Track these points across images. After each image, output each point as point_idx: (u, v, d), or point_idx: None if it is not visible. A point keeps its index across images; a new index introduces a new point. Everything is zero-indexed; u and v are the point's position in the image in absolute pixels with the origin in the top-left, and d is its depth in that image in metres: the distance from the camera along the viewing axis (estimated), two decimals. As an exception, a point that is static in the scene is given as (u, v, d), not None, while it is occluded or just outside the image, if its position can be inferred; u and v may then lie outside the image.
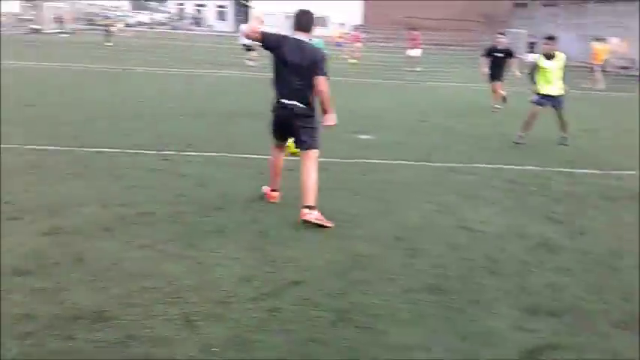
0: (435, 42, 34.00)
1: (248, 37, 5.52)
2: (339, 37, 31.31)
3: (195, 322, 3.46)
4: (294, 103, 5.28)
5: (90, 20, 51.52)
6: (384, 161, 7.89)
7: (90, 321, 3.38)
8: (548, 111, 9.64)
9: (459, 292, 4.08)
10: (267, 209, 5.62)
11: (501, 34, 14.33)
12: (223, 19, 64.60)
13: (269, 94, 5.54)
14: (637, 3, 29.26)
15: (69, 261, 4.20)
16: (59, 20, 43.04)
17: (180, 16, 65.44)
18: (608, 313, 3.89)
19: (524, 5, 46.16)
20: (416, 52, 24.17)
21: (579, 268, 4.65)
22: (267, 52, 5.48)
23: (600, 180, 7.51)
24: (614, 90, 19.34)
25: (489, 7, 47.39)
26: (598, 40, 21.58)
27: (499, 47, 13.61)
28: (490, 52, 13.70)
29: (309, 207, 5.20)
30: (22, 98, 11.48)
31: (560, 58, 9.52)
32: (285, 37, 5.38)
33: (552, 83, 9.48)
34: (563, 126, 9.66)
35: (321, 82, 5.22)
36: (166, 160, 7.32)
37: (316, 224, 5.14)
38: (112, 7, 61.40)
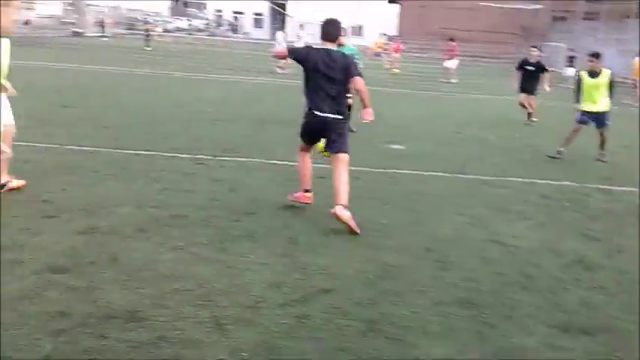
0: (470, 53, 33.75)
1: (277, 57, 5.65)
2: (379, 47, 31.27)
3: (225, 325, 3.48)
4: (329, 115, 5.39)
5: (131, 25, 52.63)
6: (415, 172, 7.85)
7: (123, 320, 3.43)
8: (589, 127, 9.50)
9: (491, 306, 4.03)
10: (297, 215, 5.64)
11: (534, 47, 14.20)
12: (260, 27, 65.30)
13: (300, 102, 5.60)
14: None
15: (103, 260, 4.27)
16: (101, 24, 44.04)
17: (218, 22, 66.33)
18: (644, 334, 3.80)
19: (563, 19, 45.54)
20: (452, 64, 24.03)
21: (615, 286, 4.54)
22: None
23: (638, 198, 7.33)
24: (655, 106, 18.87)
25: (528, 19, 46.87)
26: (640, 55, 21.14)
27: (531, 60, 13.48)
28: (522, 65, 13.60)
29: (343, 206, 5.21)
30: (65, 100, 11.77)
31: (605, 74, 9.37)
32: (313, 48, 5.54)
33: (596, 100, 9.36)
34: (602, 142, 9.49)
35: (359, 82, 5.36)
36: (201, 164, 7.41)
37: (346, 225, 5.15)
38: (152, 12, 62.56)
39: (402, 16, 53.39)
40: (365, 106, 5.47)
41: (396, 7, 55.72)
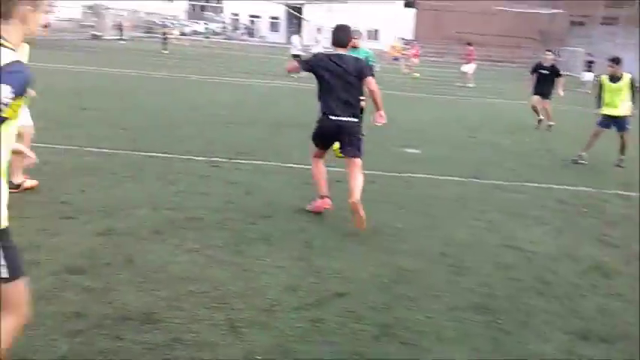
0: (486, 58, 33.58)
1: (290, 72, 5.71)
2: (397, 52, 31.24)
3: (240, 328, 3.49)
4: (345, 119, 5.44)
5: (149, 28, 53.06)
6: (430, 176, 7.82)
7: (138, 322, 3.45)
8: (609, 132, 9.46)
9: (507, 312, 4.00)
10: (313, 219, 5.64)
11: (549, 51, 14.17)
12: (276, 31, 65.54)
13: (315, 105, 5.63)
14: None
15: (120, 262, 4.30)
16: (119, 27, 44.45)
17: (235, 26, 66.67)
18: (663, 342, 3.75)
19: (581, 24, 45.16)
20: (470, 68, 23.92)
21: (633, 293, 4.48)
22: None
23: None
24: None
25: (545, 24, 46.55)
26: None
27: (545, 64, 13.41)
28: (536, 69, 13.56)
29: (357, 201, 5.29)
30: (83, 102, 11.88)
31: (626, 79, 9.43)
32: (324, 55, 5.66)
33: (617, 105, 9.41)
34: (623, 147, 9.45)
35: (371, 82, 5.47)
36: (216, 166, 7.44)
37: (357, 216, 5.21)
38: (170, 16, 63.05)
39: (418, 20, 53.30)
40: (378, 108, 5.55)
41: (411, 11, 55.63)
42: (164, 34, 34.14)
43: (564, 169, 8.99)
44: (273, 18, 66.55)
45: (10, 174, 5.54)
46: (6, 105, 2.05)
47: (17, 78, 2.10)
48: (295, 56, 22.54)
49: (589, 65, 27.81)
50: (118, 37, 42.16)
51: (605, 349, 3.60)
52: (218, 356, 3.20)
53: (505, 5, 44.70)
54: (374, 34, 54.32)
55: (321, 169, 5.78)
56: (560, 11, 44.65)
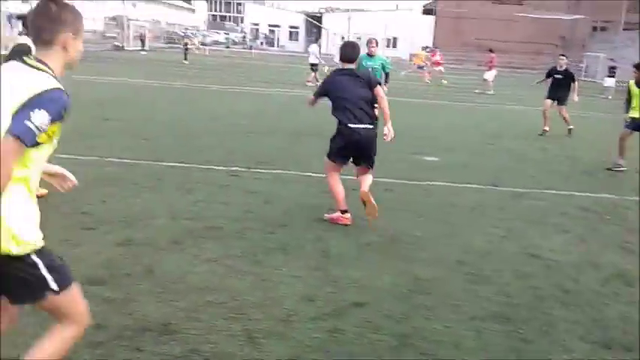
0: (507, 64, 33.35)
1: (312, 105, 6.09)
2: (422, 61, 31.21)
3: (258, 339, 3.50)
4: (363, 126, 5.60)
5: (170, 39, 53.71)
6: (449, 184, 7.78)
7: (157, 333, 3.47)
8: (632, 139, 9.39)
9: (527, 321, 3.96)
10: (330, 228, 5.64)
11: (563, 55, 14.05)
12: (295, 40, 65.92)
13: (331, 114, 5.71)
14: None
15: (139, 272, 4.34)
16: (141, 38, 45.04)
17: (255, 36, 67.20)
18: (687, 352, 3.67)
19: (603, 29, 44.69)
20: (490, 75, 23.82)
21: (657, 303, 4.41)
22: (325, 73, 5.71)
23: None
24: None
25: (567, 30, 46.13)
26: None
27: (559, 68, 13.29)
28: (550, 74, 13.46)
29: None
30: (106, 112, 12.05)
31: None
32: (332, 74, 5.97)
33: None
34: None
35: (379, 90, 5.74)
36: (236, 176, 7.49)
37: (369, 202, 5.46)
38: (191, 26, 63.77)
39: (438, 28, 53.22)
40: (385, 115, 5.79)
41: (429, 19, 55.55)
42: (185, 44, 34.53)
43: (585, 176, 8.88)
44: (292, 27, 66.98)
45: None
46: (42, 131, 2.10)
47: (55, 105, 2.14)
48: (313, 65, 22.74)
49: (612, 71, 27.49)
50: (140, 48, 42.74)
51: (629, 358, 3.54)
52: (235, 366, 3.21)
53: (525, 12, 44.44)
54: (392, 42, 54.33)
55: (338, 185, 5.80)
56: (582, 17, 44.22)
